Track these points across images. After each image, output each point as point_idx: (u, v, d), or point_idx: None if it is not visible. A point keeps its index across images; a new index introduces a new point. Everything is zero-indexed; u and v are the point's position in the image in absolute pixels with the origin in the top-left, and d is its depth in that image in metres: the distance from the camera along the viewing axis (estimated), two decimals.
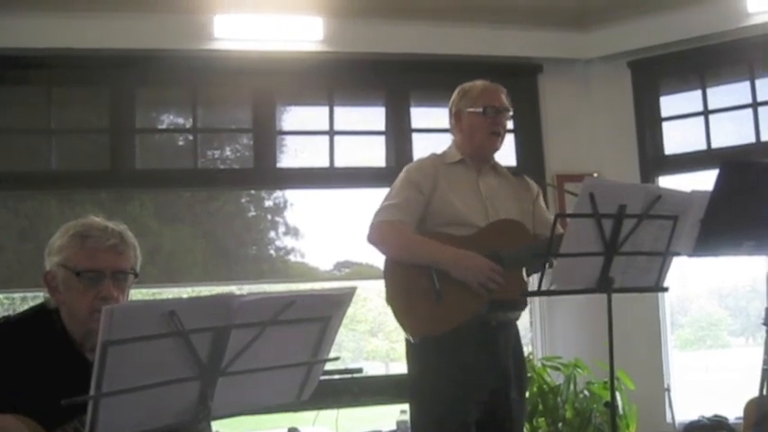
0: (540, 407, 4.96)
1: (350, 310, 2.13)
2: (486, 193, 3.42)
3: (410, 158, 5.45)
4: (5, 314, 2.53)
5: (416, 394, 3.36)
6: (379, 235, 3.32)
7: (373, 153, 5.73)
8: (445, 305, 3.18)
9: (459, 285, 3.16)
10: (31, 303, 2.51)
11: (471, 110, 3.46)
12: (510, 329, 3.38)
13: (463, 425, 3.19)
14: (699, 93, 5.74)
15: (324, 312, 2.05)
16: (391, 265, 3.30)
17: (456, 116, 3.52)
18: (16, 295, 6.20)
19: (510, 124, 5.77)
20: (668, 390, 5.53)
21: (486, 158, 3.51)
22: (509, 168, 3.62)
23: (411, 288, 3.22)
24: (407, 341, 3.32)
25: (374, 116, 5.82)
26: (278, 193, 5.90)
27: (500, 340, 3.30)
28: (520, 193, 3.51)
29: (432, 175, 3.38)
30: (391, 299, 3.26)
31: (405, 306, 3.24)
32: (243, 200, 5.86)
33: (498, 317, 3.28)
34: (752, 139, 5.55)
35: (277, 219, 5.89)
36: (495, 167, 3.55)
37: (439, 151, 3.59)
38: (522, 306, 3.25)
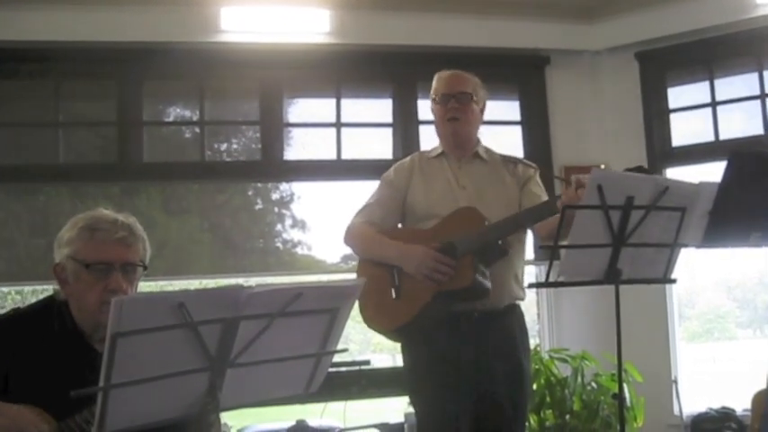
0: (548, 399, 4.96)
1: (357, 303, 2.13)
2: (464, 182, 3.43)
3: (417, 150, 5.44)
4: (15, 306, 2.53)
5: (406, 387, 3.54)
6: (347, 237, 3.48)
7: (380, 145, 5.73)
8: (402, 299, 3.27)
9: (413, 279, 3.22)
10: (42, 296, 2.52)
11: (432, 104, 3.55)
12: (497, 322, 3.32)
13: (449, 415, 3.20)
14: (707, 84, 5.72)
15: (332, 304, 2.05)
16: (360, 265, 3.45)
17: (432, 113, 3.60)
18: (27, 288, 6.22)
19: (517, 116, 5.87)
20: (676, 382, 5.53)
21: (461, 146, 3.51)
22: (504, 156, 3.58)
23: (377, 286, 3.28)
24: None
25: (381, 108, 5.82)
26: (285, 186, 5.91)
27: (483, 333, 3.26)
28: (505, 179, 3.49)
29: (407, 173, 3.51)
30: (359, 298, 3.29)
31: (369, 304, 3.30)
32: (250, 192, 5.86)
33: (477, 308, 3.25)
34: (760, 131, 5.53)
35: (284, 211, 5.90)
36: (480, 155, 3.53)
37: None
38: (481, 295, 3.19)
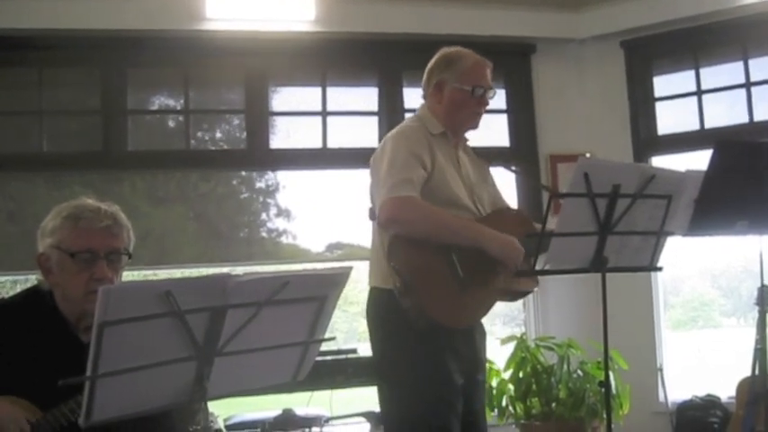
0: (534, 387, 4.98)
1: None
2: (463, 171, 3.24)
3: None
4: None
5: (395, 378, 3.10)
6: (400, 212, 2.92)
7: (366, 134, 5.70)
8: (470, 296, 2.96)
9: (481, 275, 2.96)
10: (22, 287, 2.50)
11: (457, 86, 3.19)
12: None
13: (451, 410, 3.03)
14: (692, 73, 5.73)
15: (319, 292, 2.05)
16: (403, 244, 2.93)
17: (437, 86, 3.23)
18: (6, 278, 6.17)
19: (503, 104, 5.87)
20: (661, 370, 5.56)
21: (462, 133, 3.31)
22: (475, 150, 3.40)
23: (430, 271, 2.92)
24: (377, 325, 3.09)
25: (367, 97, 5.79)
26: (270, 175, 5.88)
27: (479, 325, 3.24)
28: (485, 174, 3.39)
29: (429, 150, 3.07)
30: (410, 280, 2.89)
31: (425, 289, 2.89)
32: (234, 181, 5.83)
33: None
34: (745, 119, 5.55)
35: (269, 200, 5.87)
36: (465, 144, 3.37)
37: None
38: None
